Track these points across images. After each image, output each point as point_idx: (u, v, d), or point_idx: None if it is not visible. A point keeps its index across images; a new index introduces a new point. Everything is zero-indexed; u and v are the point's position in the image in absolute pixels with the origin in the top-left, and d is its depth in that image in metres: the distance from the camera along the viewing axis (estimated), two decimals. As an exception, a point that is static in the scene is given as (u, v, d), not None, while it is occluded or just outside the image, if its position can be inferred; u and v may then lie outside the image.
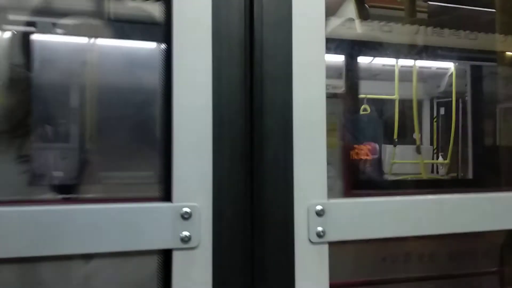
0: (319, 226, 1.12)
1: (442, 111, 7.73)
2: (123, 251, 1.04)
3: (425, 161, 6.59)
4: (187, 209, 1.05)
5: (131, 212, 1.04)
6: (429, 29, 4.54)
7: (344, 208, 1.15)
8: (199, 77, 1.08)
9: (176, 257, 1.05)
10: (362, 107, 6.08)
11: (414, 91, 5.77)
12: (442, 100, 7.56)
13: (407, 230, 1.18)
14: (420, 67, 6.14)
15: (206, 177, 1.07)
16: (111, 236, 1.01)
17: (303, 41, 1.13)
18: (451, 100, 6.16)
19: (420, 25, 4.48)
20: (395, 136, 6.48)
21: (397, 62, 6.04)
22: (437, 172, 7.17)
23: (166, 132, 1.08)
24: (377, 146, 5.61)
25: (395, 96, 6.35)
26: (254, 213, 1.10)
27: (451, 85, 6.11)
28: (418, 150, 6.36)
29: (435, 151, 7.69)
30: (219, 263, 1.07)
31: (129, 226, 1.02)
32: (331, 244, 1.13)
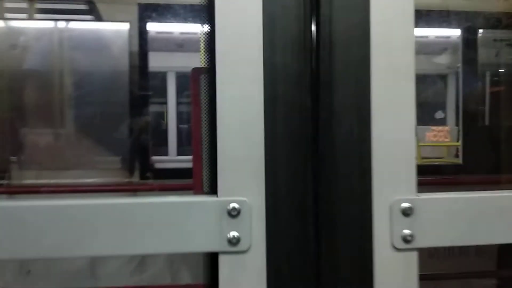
0: (405, 228, 0.87)
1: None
2: (161, 253, 0.90)
3: (421, 144, 5.78)
4: (235, 205, 0.86)
5: (169, 207, 0.87)
6: None
7: (439, 205, 0.87)
8: (247, 43, 0.86)
9: (223, 261, 0.87)
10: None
11: None
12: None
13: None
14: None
15: (258, 166, 0.86)
16: (148, 235, 0.86)
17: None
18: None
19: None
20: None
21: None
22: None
23: (209, 113, 0.89)
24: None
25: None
26: (320, 211, 0.88)
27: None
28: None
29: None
30: (275, 270, 0.88)
31: (167, 224, 0.86)
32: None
